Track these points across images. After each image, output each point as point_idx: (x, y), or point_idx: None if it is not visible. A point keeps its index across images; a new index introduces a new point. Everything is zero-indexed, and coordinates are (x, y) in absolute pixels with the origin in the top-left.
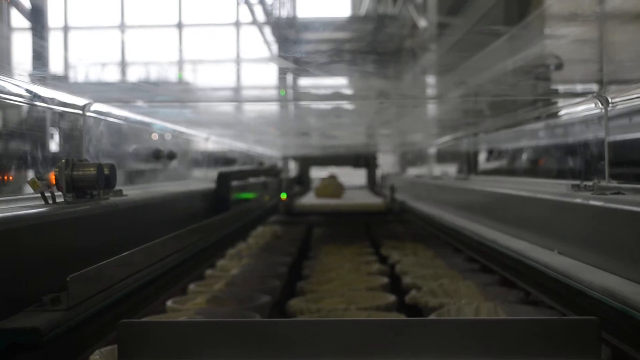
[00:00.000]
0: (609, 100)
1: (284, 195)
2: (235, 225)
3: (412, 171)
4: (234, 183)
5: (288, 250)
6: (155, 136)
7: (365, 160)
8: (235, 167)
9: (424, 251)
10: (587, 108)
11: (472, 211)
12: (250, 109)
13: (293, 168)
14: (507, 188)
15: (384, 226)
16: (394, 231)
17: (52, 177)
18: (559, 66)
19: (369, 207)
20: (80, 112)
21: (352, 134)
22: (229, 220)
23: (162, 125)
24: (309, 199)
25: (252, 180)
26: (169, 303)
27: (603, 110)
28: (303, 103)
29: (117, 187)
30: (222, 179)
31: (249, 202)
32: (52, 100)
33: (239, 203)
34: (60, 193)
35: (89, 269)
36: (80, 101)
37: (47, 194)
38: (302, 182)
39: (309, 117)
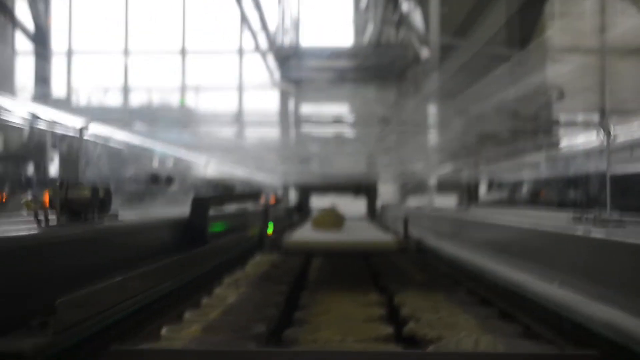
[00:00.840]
0: (611, 131)
1: (270, 228)
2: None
3: (412, 201)
4: (216, 211)
5: (285, 279)
6: (154, 160)
7: (365, 189)
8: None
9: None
10: (588, 140)
11: (474, 243)
12: (252, 135)
13: (294, 196)
14: (507, 220)
15: (386, 259)
16: (399, 265)
17: (46, 198)
18: (561, 96)
19: (377, 245)
20: (78, 134)
21: (352, 162)
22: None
23: (162, 150)
24: (304, 232)
25: (239, 208)
26: (164, 331)
27: (605, 142)
28: (304, 130)
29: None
30: (198, 205)
31: (231, 234)
32: (48, 121)
33: (218, 236)
34: (54, 215)
35: (79, 292)
36: (78, 123)
37: (41, 216)
38: (301, 209)
39: (310, 145)
